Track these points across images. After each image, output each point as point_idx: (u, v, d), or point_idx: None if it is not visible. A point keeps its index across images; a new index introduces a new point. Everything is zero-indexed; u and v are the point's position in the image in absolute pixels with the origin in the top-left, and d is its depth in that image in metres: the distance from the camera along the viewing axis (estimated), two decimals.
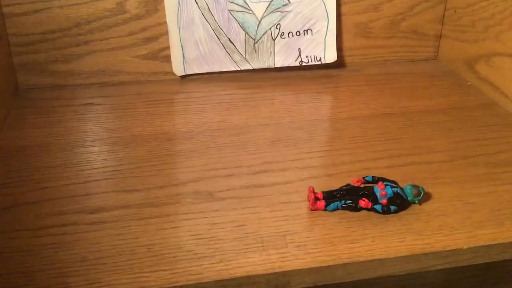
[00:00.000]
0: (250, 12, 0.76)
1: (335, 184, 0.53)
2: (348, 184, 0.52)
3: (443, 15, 0.84)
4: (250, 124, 0.66)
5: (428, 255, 0.45)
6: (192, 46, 0.77)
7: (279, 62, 0.79)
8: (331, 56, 0.80)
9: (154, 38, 0.77)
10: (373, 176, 0.52)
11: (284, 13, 0.77)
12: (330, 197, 0.51)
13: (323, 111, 0.70)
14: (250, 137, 0.63)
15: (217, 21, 0.76)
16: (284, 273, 0.43)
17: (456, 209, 0.50)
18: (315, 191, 0.51)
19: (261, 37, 0.78)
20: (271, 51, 0.79)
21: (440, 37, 0.85)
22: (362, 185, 0.52)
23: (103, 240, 0.46)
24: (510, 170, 0.56)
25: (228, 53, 0.78)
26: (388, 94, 0.75)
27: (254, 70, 0.80)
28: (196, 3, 0.75)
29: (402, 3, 0.82)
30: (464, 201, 0.51)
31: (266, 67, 0.80)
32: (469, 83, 0.78)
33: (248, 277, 0.42)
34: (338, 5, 0.79)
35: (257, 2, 0.76)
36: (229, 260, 0.44)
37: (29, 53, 0.74)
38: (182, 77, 0.79)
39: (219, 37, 0.77)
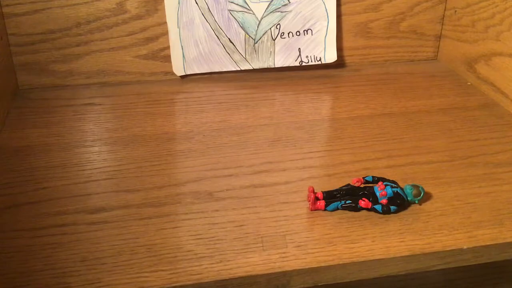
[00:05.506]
0: (250, 12, 0.76)
1: (335, 184, 0.53)
2: (348, 184, 0.52)
3: (443, 15, 0.84)
4: (250, 124, 0.66)
5: (428, 255, 0.45)
6: (192, 46, 0.77)
7: (279, 62, 0.79)
8: (331, 56, 0.80)
9: (154, 38, 0.77)
10: (373, 176, 0.52)
11: (284, 13, 0.77)
12: (330, 197, 0.51)
13: (323, 111, 0.70)
14: (250, 137, 0.63)
15: (217, 21, 0.76)
16: (284, 273, 0.43)
17: (456, 209, 0.50)
18: (315, 191, 0.51)
19: (261, 37, 0.78)
20: (271, 51, 0.79)
21: (440, 37, 0.85)
22: (362, 185, 0.52)
23: (103, 240, 0.46)
24: (510, 170, 0.56)
25: (228, 53, 0.78)
26: (388, 94, 0.75)
27: (254, 70, 0.80)
28: (196, 3, 0.75)
29: (402, 3, 0.82)
30: (464, 201, 0.51)
31: (266, 67, 0.80)
32: (469, 83, 0.78)
33: (248, 277, 0.42)
34: (338, 5, 0.79)
35: (257, 2, 0.76)
36: (229, 260, 0.44)
37: (29, 53, 0.74)
38: (182, 77, 0.79)
39: (219, 37, 0.77)
